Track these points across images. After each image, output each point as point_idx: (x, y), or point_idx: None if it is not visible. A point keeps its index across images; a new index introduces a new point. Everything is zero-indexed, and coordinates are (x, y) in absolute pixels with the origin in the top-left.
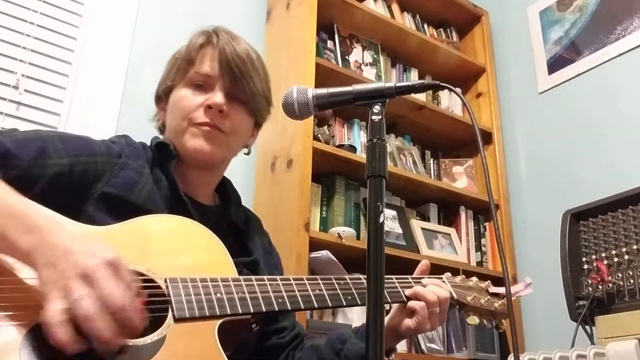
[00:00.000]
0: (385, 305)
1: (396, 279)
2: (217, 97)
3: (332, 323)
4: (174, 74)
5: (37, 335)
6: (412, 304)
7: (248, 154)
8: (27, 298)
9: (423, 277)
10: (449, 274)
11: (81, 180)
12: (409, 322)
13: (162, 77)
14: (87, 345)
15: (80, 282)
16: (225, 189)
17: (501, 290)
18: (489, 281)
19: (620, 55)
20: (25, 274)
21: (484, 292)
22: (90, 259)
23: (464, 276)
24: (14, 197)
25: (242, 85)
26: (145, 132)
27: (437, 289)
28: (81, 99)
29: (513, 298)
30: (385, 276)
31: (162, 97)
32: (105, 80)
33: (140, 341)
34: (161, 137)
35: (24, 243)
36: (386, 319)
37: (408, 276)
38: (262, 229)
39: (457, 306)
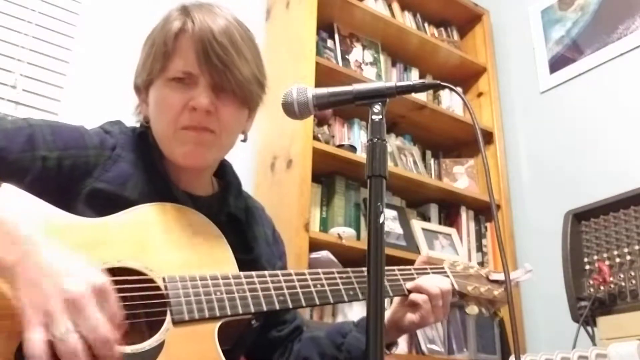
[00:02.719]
0: (385, 299)
1: (398, 269)
2: (202, 97)
3: (332, 324)
4: (151, 64)
5: None
6: (414, 297)
7: (245, 140)
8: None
9: (425, 267)
10: (449, 261)
11: (70, 175)
12: (412, 317)
13: (139, 63)
14: None
15: (66, 310)
16: (225, 174)
17: (501, 276)
18: (489, 268)
19: (622, 54)
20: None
21: (484, 279)
22: (78, 283)
23: (465, 264)
24: (1, 203)
25: (227, 75)
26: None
27: (439, 280)
28: (79, 98)
29: (512, 283)
30: (387, 267)
31: (142, 89)
32: (102, 79)
33: (139, 348)
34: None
35: (6, 255)
36: (388, 312)
37: (410, 267)
38: (265, 217)
39: (457, 295)
